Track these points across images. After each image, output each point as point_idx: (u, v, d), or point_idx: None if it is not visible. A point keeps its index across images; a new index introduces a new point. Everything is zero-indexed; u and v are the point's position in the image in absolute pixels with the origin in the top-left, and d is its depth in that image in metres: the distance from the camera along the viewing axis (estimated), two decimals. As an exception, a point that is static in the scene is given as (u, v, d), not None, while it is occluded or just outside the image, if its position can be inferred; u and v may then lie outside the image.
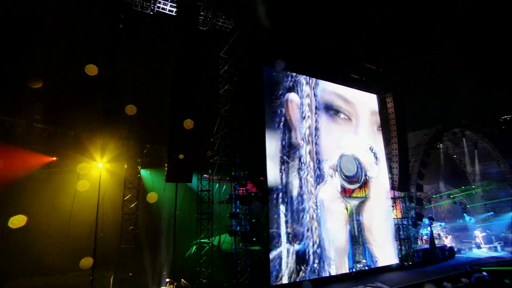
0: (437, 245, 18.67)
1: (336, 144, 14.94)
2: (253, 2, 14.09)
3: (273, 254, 11.87)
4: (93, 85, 12.29)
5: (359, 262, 14.05)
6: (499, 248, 20.41)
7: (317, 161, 14.08)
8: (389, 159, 17.68)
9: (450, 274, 13.90)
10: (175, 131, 10.72)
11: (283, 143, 13.18)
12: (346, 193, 14.65)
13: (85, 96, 12.71)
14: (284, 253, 12.12)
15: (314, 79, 15.17)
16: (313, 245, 12.96)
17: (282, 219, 12.45)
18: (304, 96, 14.50)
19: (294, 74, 14.43)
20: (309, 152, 13.89)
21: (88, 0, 13.35)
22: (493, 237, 21.78)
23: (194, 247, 12.92)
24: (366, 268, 14.13)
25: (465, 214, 26.11)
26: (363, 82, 17.52)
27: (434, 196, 26.88)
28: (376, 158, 16.39)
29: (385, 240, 15.71)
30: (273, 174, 12.59)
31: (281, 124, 13.35)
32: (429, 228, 19.83)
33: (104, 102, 13.03)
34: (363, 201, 15.24)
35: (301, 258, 12.53)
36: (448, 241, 21.55)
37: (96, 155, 12.57)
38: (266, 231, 11.97)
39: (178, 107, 10.82)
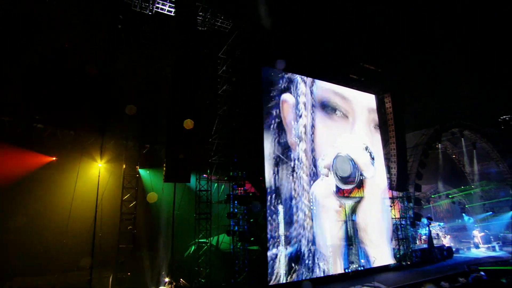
0: (435, 245, 18.74)
1: (331, 142, 14.91)
2: (252, 2, 14.12)
3: (270, 254, 11.93)
4: (93, 85, 12.36)
5: (353, 262, 14.06)
6: (497, 248, 20.45)
7: (313, 159, 14.10)
8: (387, 159, 17.70)
9: (448, 273, 13.96)
10: (173, 131, 10.79)
11: (277, 144, 13.20)
12: (341, 193, 14.67)
13: (85, 96, 12.77)
14: (280, 253, 12.17)
15: (310, 77, 15.19)
16: (308, 243, 12.99)
17: (279, 218, 12.50)
18: (300, 95, 14.49)
19: (288, 75, 14.38)
20: (304, 150, 13.92)
21: (88, 0, 13.40)
22: (491, 237, 21.80)
23: (193, 247, 12.98)
24: (361, 268, 14.13)
25: (463, 214, 26.15)
26: (362, 82, 17.54)
27: (432, 196, 26.92)
28: (372, 158, 16.34)
29: (380, 240, 15.73)
30: (268, 174, 12.64)
31: (275, 125, 13.35)
32: (427, 228, 19.89)
33: (103, 102, 13.09)
34: (358, 201, 15.23)
35: (296, 257, 12.57)
36: (446, 241, 21.57)
37: (96, 155, 12.65)
38: (264, 231, 12.03)
39: (177, 107, 10.89)
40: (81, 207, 11.48)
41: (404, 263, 16.39)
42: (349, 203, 14.83)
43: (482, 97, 25.18)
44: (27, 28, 11.86)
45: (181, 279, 11.96)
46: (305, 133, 14.11)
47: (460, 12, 22.36)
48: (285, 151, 13.36)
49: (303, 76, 14.92)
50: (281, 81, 14.09)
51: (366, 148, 16.18)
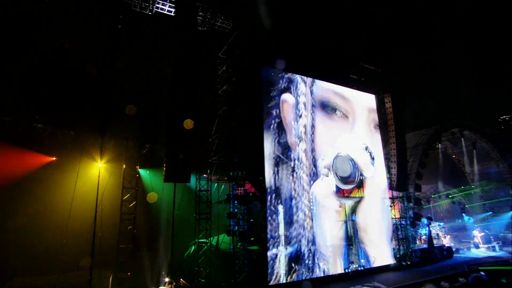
0: (435, 245, 18.74)
1: (331, 142, 14.90)
2: (252, 2, 14.12)
3: (270, 254, 11.94)
4: (93, 85, 12.36)
5: (353, 262, 14.06)
6: (497, 248, 20.45)
7: (313, 159, 14.10)
8: (387, 159, 17.71)
9: (448, 274, 13.96)
10: (173, 131, 10.80)
11: (277, 144, 13.20)
12: (341, 193, 14.66)
13: (85, 96, 12.77)
14: (280, 253, 12.18)
15: (310, 77, 15.19)
16: (308, 243, 12.99)
17: (279, 218, 12.50)
18: (300, 95, 14.49)
19: (288, 75, 14.38)
20: (304, 150, 13.92)
21: (88, 0, 13.41)
22: (491, 237, 21.81)
23: (193, 247, 12.99)
24: (361, 268, 14.13)
25: (463, 214, 26.15)
26: (362, 82, 17.55)
27: (433, 196, 26.92)
28: (372, 158, 16.34)
29: (380, 240, 15.73)
30: (268, 174, 12.65)
31: (275, 125, 13.35)
32: (427, 228, 19.90)
33: (103, 102, 13.10)
34: (358, 201, 15.22)
35: (296, 257, 12.58)
36: (446, 241, 21.58)
37: (96, 155, 12.66)
38: (264, 231, 12.04)
39: (177, 107, 10.90)
40: (81, 207, 11.49)
41: (404, 263, 16.39)
42: (349, 203, 14.82)
43: (482, 97, 25.17)
44: (27, 28, 11.86)
45: (181, 279, 11.97)
46: (305, 133, 14.11)
47: (460, 12, 22.36)
48: (285, 151, 13.36)
49: (303, 76, 14.91)
50: (281, 81, 14.08)
51: (366, 148, 16.17)
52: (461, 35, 23.89)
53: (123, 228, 11.80)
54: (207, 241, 12.43)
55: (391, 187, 17.52)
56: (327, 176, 14.35)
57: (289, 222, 12.70)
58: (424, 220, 19.79)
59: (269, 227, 12.15)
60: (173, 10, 12.93)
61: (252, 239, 12.06)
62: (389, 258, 15.88)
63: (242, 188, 12.44)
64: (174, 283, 11.40)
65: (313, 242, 13.18)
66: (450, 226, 25.64)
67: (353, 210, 14.94)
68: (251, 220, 12.41)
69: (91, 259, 10.42)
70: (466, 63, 24.05)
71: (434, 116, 23.65)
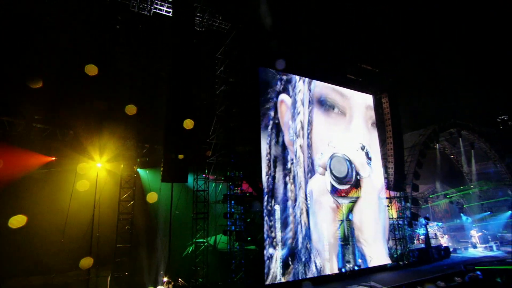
0: (432, 245, 18.80)
1: (328, 139, 14.93)
2: (249, 3, 14.21)
3: (266, 253, 12.00)
4: (92, 85, 12.41)
5: (350, 261, 14.14)
6: (494, 248, 20.49)
7: (309, 155, 14.16)
8: (384, 159, 17.80)
9: (445, 273, 14.02)
10: (171, 131, 10.88)
11: (274, 144, 13.27)
12: (338, 193, 14.74)
13: (85, 96, 12.84)
14: (276, 252, 12.25)
15: (308, 78, 15.26)
16: (304, 242, 13.06)
17: (275, 218, 12.58)
18: (298, 93, 14.56)
19: (285, 75, 14.44)
20: (301, 146, 13.99)
21: (88, 0, 13.49)
22: (489, 236, 21.86)
23: (191, 247, 13.06)
24: (357, 267, 14.21)
25: (462, 214, 26.23)
26: (359, 82, 17.61)
27: (430, 196, 26.98)
28: (368, 157, 16.40)
29: (377, 240, 15.77)
30: (265, 175, 12.73)
31: (272, 126, 13.42)
32: (425, 228, 19.97)
33: (103, 102, 13.18)
34: (355, 200, 15.29)
35: (292, 256, 12.66)
36: (444, 241, 21.65)
37: (95, 155, 12.72)
38: (261, 231, 12.11)
39: (174, 107, 10.98)
40: (80, 207, 11.52)
41: (401, 263, 16.46)
42: (345, 202, 14.89)
43: (480, 97, 25.32)
44: (27, 28, 11.92)
45: (180, 279, 12.03)
46: (302, 128, 14.17)
47: (458, 12, 22.44)
48: (282, 152, 13.43)
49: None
50: (278, 82, 14.15)
51: (363, 148, 16.21)
52: (459, 35, 23.99)
53: (120, 227, 11.85)
54: (204, 240, 12.51)
55: (388, 187, 17.58)
56: (323, 175, 14.42)
57: (285, 222, 12.77)
58: (422, 220, 19.85)
59: (265, 226, 12.22)
60: (171, 11, 13.00)
61: (249, 238, 12.13)
62: (386, 258, 15.93)
63: (239, 188, 12.53)
64: (172, 283, 11.45)
65: (309, 239, 13.25)
66: (448, 226, 25.71)
67: (350, 210, 14.99)
68: (248, 220, 12.49)
69: (92, 259, 10.51)
70: (464, 63, 24.15)
71: (432, 116, 23.75)
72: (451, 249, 19.71)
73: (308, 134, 14.33)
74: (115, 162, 12.99)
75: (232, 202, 12.26)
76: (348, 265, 14.06)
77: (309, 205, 13.62)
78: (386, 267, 15.76)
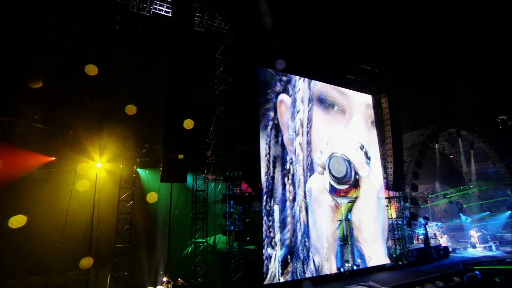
0: (432, 245, 18.83)
1: (328, 137, 14.97)
2: (248, 4, 14.23)
3: (265, 253, 12.04)
4: (92, 85, 12.43)
5: (348, 261, 14.17)
6: (493, 248, 20.53)
7: (308, 152, 14.21)
8: (383, 159, 17.83)
9: (443, 273, 14.06)
10: (170, 131, 10.90)
11: (274, 144, 13.32)
12: (337, 193, 14.77)
13: (85, 96, 12.85)
14: (275, 252, 12.30)
15: (307, 78, 15.28)
16: (303, 242, 13.11)
17: (274, 218, 12.63)
18: (297, 91, 14.61)
19: (284, 77, 14.45)
20: (300, 144, 14.03)
21: (87, 0, 13.50)
22: (488, 236, 21.91)
23: (191, 247, 13.09)
24: (356, 267, 14.24)
25: (461, 214, 26.26)
26: (359, 82, 17.65)
27: (430, 196, 27.01)
28: (367, 157, 16.41)
29: (376, 239, 15.80)
30: (264, 175, 12.78)
31: (272, 126, 13.47)
32: (424, 228, 20.00)
33: (103, 102, 13.19)
34: (354, 200, 15.31)
35: (291, 256, 12.71)
36: (443, 241, 21.69)
37: (95, 155, 12.74)
38: (260, 231, 12.15)
39: (173, 107, 11.00)
40: (80, 207, 11.54)
41: (400, 263, 16.50)
42: (344, 202, 14.91)
43: (479, 97, 25.32)
44: (27, 28, 11.93)
45: (179, 279, 12.05)
46: (301, 126, 14.21)
47: (457, 12, 22.45)
48: (281, 152, 13.47)
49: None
50: (278, 83, 14.19)
51: (362, 147, 16.23)
52: (459, 35, 24.00)
53: (120, 227, 11.87)
54: (204, 240, 12.54)
55: (387, 187, 17.61)
56: (322, 175, 14.45)
57: (284, 222, 12.81)
58: (421, 220, 19.89)
59: (264, 226, 12.27)
60: (170, 11, 13.02)
61: (248, 238, 12.16)
62: (385, 258, 15.97)
63: (238, 188, 12.55)
64: (172, 283, 11.48)
65: (308, 238, 13.30)
66: (448, 226, 25.75)
67: (349, 209, 15.02)
68: (247, 220, 12.53)
69: (92, 259, 10.52)
70: (465, 64, 24.16)
71: (431, 116, 23.78)
72: (450, 249, 19.74)
73: (308, 131, 14.36)
74: (115, 162, 13.01)
75: (231, 202, 12.29)
76: (347, 265, 14.09)
77: (308, 203, 13.65)
78: (385, 267, 15.80)
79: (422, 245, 18.85)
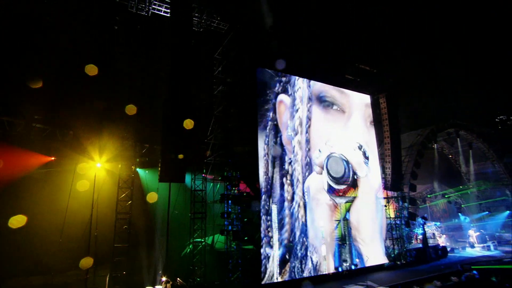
0: (430, 245, 18.89)
1: (327, 135, 15.02)
2: (247, 4, 14.26)
3: (263, 253, 12.09)
4: (92, 85, 12.48)
5: (346, 260, 14.20)
6: (492, 248, 20.55)
7: (307, 150, 14.28)
8: (382, 159, 17.88)
9: (441, 273, 14.12)
10: (169, 131, 10.95)
11: (272, 145, 13.35)
12: (336, 193, 14.81)
13: (84, 96, 12.90)
14: (273, 251, 12.35)
15: (306, 78, 15.33)
16: (301, 242, 13.17)
17: (272, 218, 12.66)
18: (297, 90, 14.68)
19: (283, 78, 14.49)
20: (299, 142, 14.08)
21: (87, 0, 13.54)
22: (487, 236, 21.93)
23: (190, 247, 13.15)
24: (354, 267, 14.28)
25: (460, 214, 26.32)
26: (357, 83, 17.69)
27: (429, 196, 27.06)
28: (366, 157, 16.44)
29: (374, 239, 15.84)
30: (262, 175, 12.83)
31: (271, 127, 13.51)
32: (422, 228, 20.07)
33: (103, 102, 13.24)
34: (351, 200, 15.35)
35: (289, 255, 12.76)
36: (442, 241, 21.71)
37: (95, 155, 12.79)
38: (258, 231, 12.20)
39: (172, 107, 11.04)
40: (80, 207, 11.62)
41: (398, 263, 16.54)
42: (343, 202, 14.96)
43: (478, 97, 25.35)
44: (27, 28, 11.97)
45: (178, 278, 12.12)
46: (300, 124, 14.27)
47: (457, 12, 22.48)
48: (280, 152, 13.50)
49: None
50: (277, 83, 14.23)
51: (360, 147, 16.27)
52: (458, 35, 24.02)
53: (118, 227, 11.91)
54: (202, 240, 12.60)
55: (385, 187, 17.66)
56: (320, 174, 14.52)
57: (282, 222, 12.87)
58: (420, 220, 19.95)
59: (262, 226, 12.32)
60: (169, 11, 13.06)
61: (245, 238, 12.21)
62: (383, 257, 16.02)
63: (236, 188, 12.61)
64: (171, 282, 11.54)
65: (306, 236, 13.36)
66: (446, 225, 25.79)
67: (347, 209, 15.06)
68: (245, 219, 12.56)
69: (92, 259, 10.58)
70: (463, 64, 24.19)
71: (430, 116, 23.81)
72: (448, 249, 19.79)
73: (307, 130, 14.43)
74: (115, 162, 13.06)
75: (229, 202, 12.34)
76: (345, 264, 14.14)
77: (306, 202, 13.72)
78: (384, 266, 15.84)
79: (420, 245, 18.89)
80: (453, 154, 27.75)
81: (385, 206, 17.42)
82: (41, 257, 10.71)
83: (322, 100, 15.43)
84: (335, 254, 14.07)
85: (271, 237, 12.43)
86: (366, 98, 17.69)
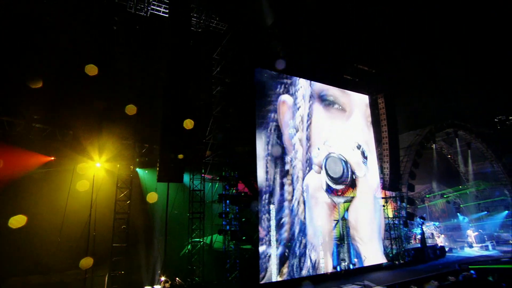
0: (428, 244, 18.96)
1: (326, 136, 15.09)
2: (246, 4, 14.30)
3: (261, 252, 12.11)
4: (92, 85, 12.52)
5: (344, 260, 14.26)
6: (490, 247, 20.62)
7: (307, 147, 14.36)
8: (380, 159, 17.93)
9: (439, 272, 14.17)
10: (167, 131, 11.00)
11: (272, 145, 13.41)
12: (335, 193, 14.87)
13: (84, 96, 12.93)
14: (271, 251, 12.38)
15: (304, 79, 15.38)
16: (299, 241, 13.21)
17: (271, 218, 12.70)
18: (298, 89, 14.79)
19: (285, 80, 14.56)
20: (299, 140, 14.15)
21: (87, 1, 13.58)
22: (485, 236, 22.00)
23: (189, 246, 13.22)
24: (352, 266, 14.35)
25: (458, 214, 26.38)
26: (356, 83, 17.75)
27: (427, 195, 27.12)
28: (365, 156, 16.51)
29: (372, 239, 15.90)
30: (261, 175, 12.86)
31: (272, 128, 13.56)
32: (421, 228, 20.13)
33: (103, 102, 13.28)
34: (350, 200, 15.40)
35: (287, 255, 12.81)
36: (440, 240, 21.79)
37: (94, 155, 12.83)
38: (256, 230, 12.25)
39: (171, 107, 11.08)
40: (79, 207, 11.65)
41: (396, 262, 16.60)
42: (341, 201, 15.02)
43: (478, 97, 25.36)
44: (27, 28, 12.01)
45: (177, 278, 12.18)
46: (301, 121, 14.36)
47: (457, 12, 22.49)
48: (280, 153, 13.56)
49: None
50: (279, 85, 14.31)
51: (359, 147, 16.34)
52: (457, 35, 24.02)
53: (117, 227, 11.94)
54: (201, 240, 12.65)
55: (384, 187, 17.72)
56: (319, 173, 14.58)
57: (281, 221, 12.91)
58: (418, 220, 20.00)
59: (261, 226, 12.37)
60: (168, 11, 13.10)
61: (243, 238, 12.27)
62: (381, 257, 16.07)
63: (234, 188, 12.67)
64: (169, 282, 11.59)
65: (305, 234, 13.43)
66: (445, 225, 25.84)
67: (345, 208, 15.12)
68: (243, 219, 12.62)
69: (92, 259, 10.63)
70: (462, 64, 24.20)
71: (429, 116, 23.84)
72: (447, 249, 19.84)
73: (308, 127, 14.52)
74: (114, 162, 13.10)
75: (228, 202, 12.39)
76: (343, 264, 14.20)
77: (305, 200, 13.78)
78: (382, 266, 15.89)
79: (418, 245, 18.96)
80: (452, 154, 27.79)
81: (384, 206, 17.47)
82: (40, 256, 10.75)
83: (323, 99, 15.54)
84: (333, 254, 14.13)
85: (270, 236, 12.47)
86: (365, 98, 17.75)
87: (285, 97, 14.30)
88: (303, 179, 13.92)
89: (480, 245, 21.17)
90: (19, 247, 10.52)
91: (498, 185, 25.82)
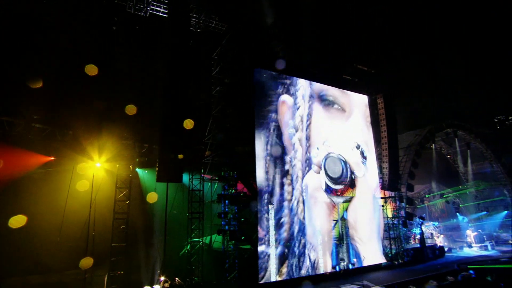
0: (427, 244, 18.99)
1: (325, 136, 15.11)
2: (246, 4, 14.31)
3: (260, 252, 12.13)
4: (92, 85, 12.53)
5: (344, 259, 14.29)
6: (489, 247, 20.64)
7: (307, 147, 14.38)
8: (379, 159, 17.95)
9: (438, 272, 14.20)
10: (167, 131, 11.02)
11: (272, 146, 13.42)
12: (332, 193, 14.89)
13: (84, 96, 12.95)
14: (271, 251, 12.40)
15: (304, 79, 15.39)
16: (298, 241, 13.23)
17: (270, 218, 12.72)
18: (298, 89, 14.82)
19: (286, 81, 14.58)
20: (299, 139, 14.18)
21: (87, 1, 13.60)
22: (485, 236, 21.99)
23: (188, 246, 13.24)
24: (351, 266, 14.37)
25: (458, 214, 26.40)
26: (355, 83, 17.76)
27: (427, 196, 27.13)
28: (364, 156, 16.52)
29: (371, 238, 15.91)
30: (261, 175, 12.88)
31: (271, 127, 13.58)
32: (420, 228, 20.15)
33: (103, 102, 13.30)
34: (349, 200, 15.42)
35: (286, 255, 12.83)
36: (440, 240, 21.81)
37: (94, 155, 12.85)
38: (255, 230, 12.26)
39: (170, 107, 11.10)
40: (79, 207, 11.67)
41: (395, 262, 16.63)
42: (340, 201, 15.04)
43: (477, 97, 25.38)
44: (27, 28, 12.02)
45: (176, 278, 12.20)
46: (301, 121, 14.39)
47: (457, 12, 22.50)
48: (280, 153, 13.58)
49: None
50: (279, 85, 14.33)
51: (358, 147, 16.36)
52: (457, 35, 24.04)
53: (116, 227, 11.95)
54: (200, 240, 12.67)
55: (383, 187, 17.74)
56: (318, 173, 14.60)
57: (280, 221, 12.94)
58: (417, 220, 20.03)
59: (260, 226, 12.38)
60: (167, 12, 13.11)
61: (242, 238, 12.30)
62: (380, 257, 16.09)
63: (233, 188, 12.69)
64: (169, 282, 11.62)
65: (304, 234, 13.45)
66: (445, 225, 25.85)
67: (345, 208, 15.13)
68: (242, 219, 12.64)
69: (92, 260, 10.65)
70: (461, 64, 24.22)
71: (428, 116, 23.86)
72: (446, 249, 19.86)
73: (307, 126, 14.55)
74: (114, 162, 13.11)
75: (227, 201, 12.42)
76: (342, 263, 14.22)
77: (304, 199, 13.80)
78: (381, 266, 15.92)
79: (418, 245, 18.98)
80: (451, 154, 27.80)
81: (383, 206, 17.49)
82: (40, 256, 10.77)
83: (323, 99, 15.56)
84: (332, 253, 14.15)
85: (269, 236, 12.49)
86: (364, 98, 17.78)
87: (285, 97, 14.33)
88: (302, 179, 13.93)
89: (479, 245, 21.17)
90: (19, 247, 10.55)
91: (497, 185, 25.85)
